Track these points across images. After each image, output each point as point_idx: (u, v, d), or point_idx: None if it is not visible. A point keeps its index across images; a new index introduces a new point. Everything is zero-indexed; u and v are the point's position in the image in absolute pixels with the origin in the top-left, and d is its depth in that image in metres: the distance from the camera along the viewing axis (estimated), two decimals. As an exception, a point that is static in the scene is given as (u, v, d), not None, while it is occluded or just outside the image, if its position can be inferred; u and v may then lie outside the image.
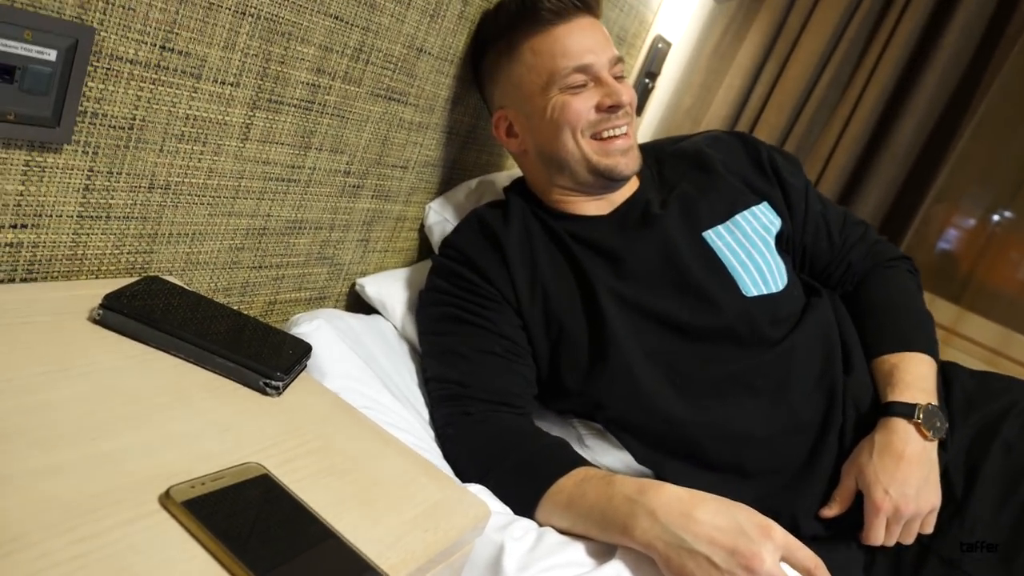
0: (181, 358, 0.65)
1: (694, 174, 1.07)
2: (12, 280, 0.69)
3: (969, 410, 0.96)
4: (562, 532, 0.78)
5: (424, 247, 1.23)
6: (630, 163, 0.99)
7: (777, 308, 0.98)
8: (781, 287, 1.00)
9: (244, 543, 0.46)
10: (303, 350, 0.72)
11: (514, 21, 1.00)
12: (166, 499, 0.48)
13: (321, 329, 0.90)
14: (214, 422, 0.59)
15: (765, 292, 0.98)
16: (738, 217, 1.03)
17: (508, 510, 0.80)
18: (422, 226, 1.20)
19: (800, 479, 0.91)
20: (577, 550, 0.74)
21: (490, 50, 1.04)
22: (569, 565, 0.71)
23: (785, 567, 0.67)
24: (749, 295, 0.97)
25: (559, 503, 0.78)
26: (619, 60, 1.00)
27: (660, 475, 0.91)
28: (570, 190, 1.03)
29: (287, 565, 0.46)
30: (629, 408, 0.92)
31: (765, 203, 1.07)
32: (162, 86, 0.72)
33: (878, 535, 0.85)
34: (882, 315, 1.05)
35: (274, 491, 0.52)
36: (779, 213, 1.07)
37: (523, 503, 0.80)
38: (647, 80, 1.72)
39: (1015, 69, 1.76)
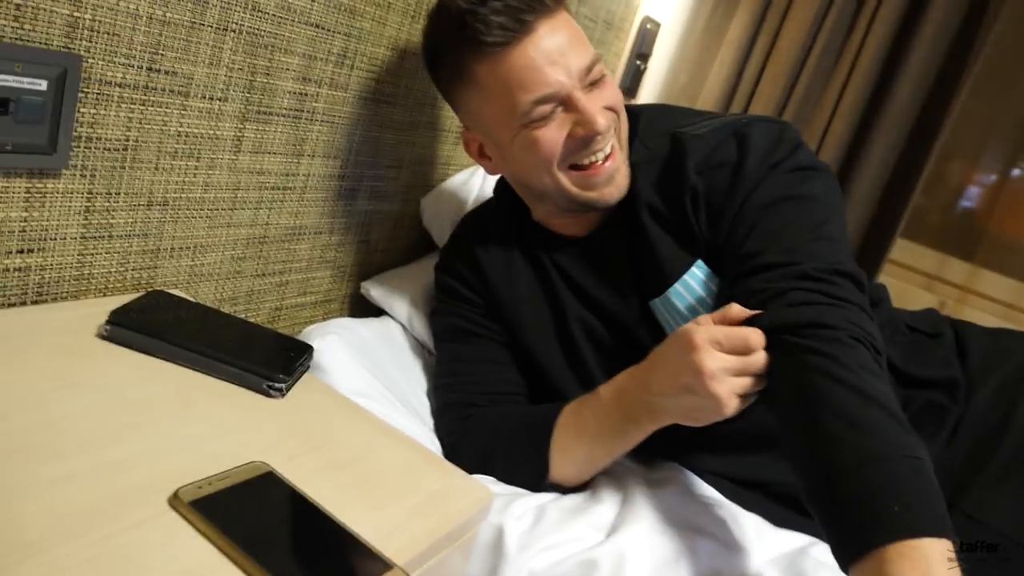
0: (187, 367, 0.68)
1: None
2: (23, 303, 0.72)
3: (990, 370, 0.93)
4: (579, 477, 0.82)
5: (425, 242, 1.25)
6: (615, 191, 0.86)
7: None
8: None
9: (251, 538, 0.49)
10: (304, 351, 0.74)
11: (457, 42, 0.81)
12: (174, 500, 0.50)
13: (332, 345, 0.90)
14: (219, 425, 0.62)
15: None
16: (669, 292, 0.86)
17: (507, 490, 0.81)
18: (420, 222, 1.22)
19: None
20: (577, 526, 0.76)
21: (440, 70, 0.88)
22: (570, 541, 0.73)
23: None
24: None
25: (570, 437, 0.81)
26: (594, 63, 0.82)
27: None
28: (551, 214, 0.94)
29: (293, 556, 0.48)
30: None
31: (699, 262, 0.86)
32: (152, 106, 0.74)
33: None
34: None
35: (279, 487, 0.55)
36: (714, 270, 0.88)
37: (533, 462, 0.82)
38: (639, 62, 1.72)
39: (1011, 21, 1.75)
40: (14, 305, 0.71)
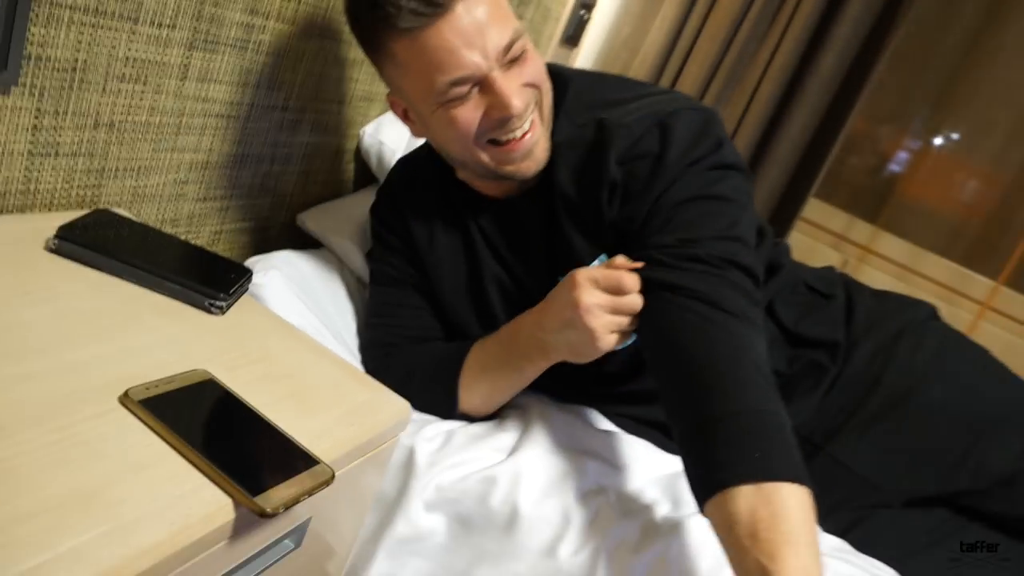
0: (133, 283, 0.73)
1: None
2: (-30, 213, 0.75)
3: (868, 332, 1.02)
4: (486, 407, 0.91)
5: (362, 175, 1.30)
6: (532, 164, 0.87)
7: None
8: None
9: (193, 434, 0.56)
10: (244, 274, 0.80)
11: (371, 20, 0.80)
12: (125, 399, 0.57)
13: (274, 280, 0.95)
14: (165, 337, 0.68)
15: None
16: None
17: (420, 417, 0.90)
18: (358, 153, 1.27)
19: None
20: (481, 448, 0.86)
21: (360, 39, 0.87)
22: (474, 460, 0.83)
23: None
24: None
25: (475, 373, 0.90)
26: (514, 40, 0.79)
27: None
28: (475, 178, 0.96)
29: (231, 449, 0.56)
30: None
31: (603, 256, 0.89)
32: (101, 29, 0.77)
33: None
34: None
35: (219, 392, 0.62)
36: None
37: (446, 391, 0.90)
38: (583, 11, 1.77)
39: (926, 2, 1.86)
40: (-38, 215, 0.75)
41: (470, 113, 0.81)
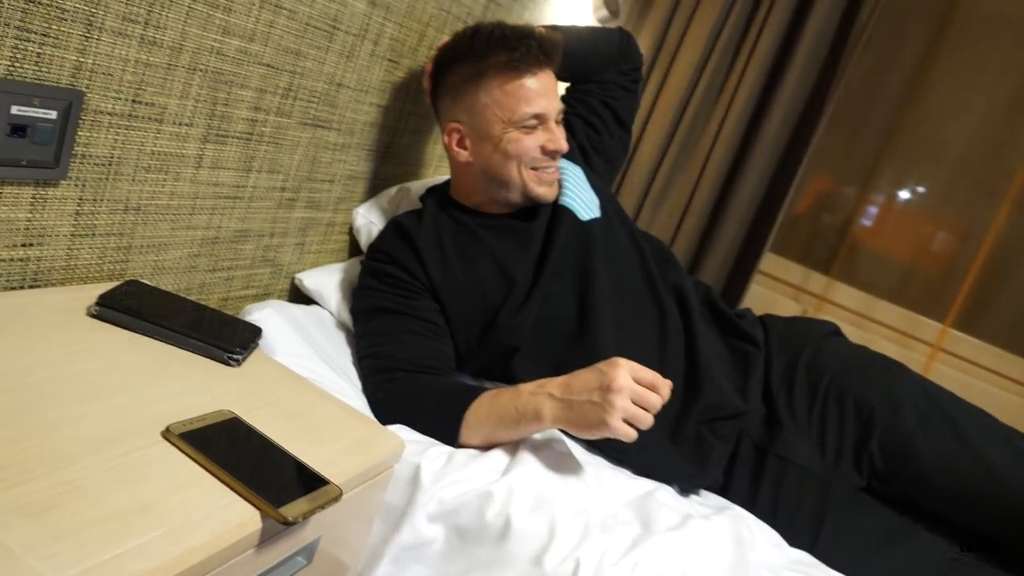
0: (163, 341, 0.86)
1: None
2: (22, 287, 0.88)
3: (781, 347, 1.27)
4: (483, 446, 1.01)
5: (353, 247, 1.44)
6: (553, 192, 1.24)
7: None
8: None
9: (227, 460, 0.67)
10: (255, 332, 0.93)
11: (490, 56, 1.14)
12: (167, 433, 0.69)
13: (270, 316, 1.11)
14: (193, 385, 0.80)
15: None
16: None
17: (426, 439, 1.01)
18: (351, 229, 1.41)
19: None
20: (479, 466, 0.97)
21: (458, 68, 1.18)
22: (473, 478, 0.94)
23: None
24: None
25: (479, 416, 1.01)
26: (562, 111, 1.21)
27: None
28: (495, 201, 1.25)
29: (259, 472, 0.68)
30: (542, 342, 1.17)
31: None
32: (133, 130, 0.91)
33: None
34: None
35: (243, 428, 0.74)
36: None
37: (448, 429, 1.02)
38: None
39: (861, 69, 2.07)
40: (14, 288, 0.87)
41: (532, 141, 1.17)
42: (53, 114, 0.81)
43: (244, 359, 0.88)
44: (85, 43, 0.82)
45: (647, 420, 0.92)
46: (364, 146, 1.34)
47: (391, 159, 1.44)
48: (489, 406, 1.01)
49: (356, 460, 0.78)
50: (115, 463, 0.64)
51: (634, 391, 0.91)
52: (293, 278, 1.31)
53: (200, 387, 0.80)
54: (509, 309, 1.17)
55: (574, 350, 1.18)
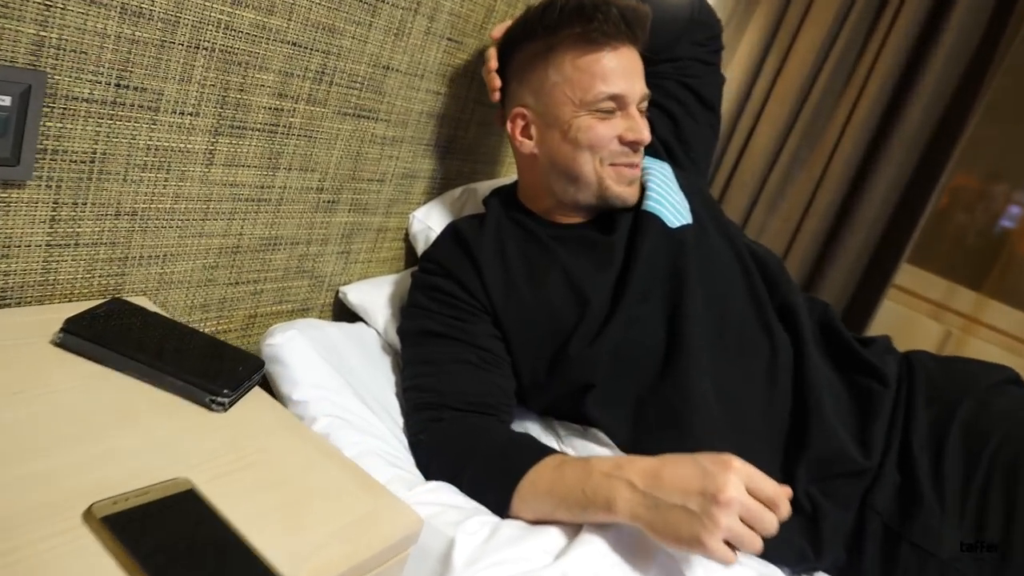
0: (135, 377, 0.70)
1: None
2: (-13, 307, 0.75)
3: (932, 396, 0.99)
4: (539, 522, 0.80)
5: (410, 256, 1.26)
6: (634, 193, 1.03)
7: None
8: None
9: (155, 558, 0.50)
10: (254, 366, 0.76)
11: (563, 28, 0.96)
12: (87, 515, 0.52)
13: (294, 340, 0.95)
14: (155, 439, 0.63)
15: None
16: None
17: (469, 504, 0.82)
18: (406, 236, 1.24)
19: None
20: (530, 546, 0.76)
21: (527, 46, 1.01)
22: (518, 560, 0.73)
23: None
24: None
25: (537, 490, 0.80)
26: (647, 97, 1.01)
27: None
28: (565, 203, 1.04)
29: (193, 577, 0.50)
30: (622, 377, 0.95)
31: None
32: (120, 120, 0.76)
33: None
34: None
35: (196, 506, 0.56)
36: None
37: (498, 495, 0.82)
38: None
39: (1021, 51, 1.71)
40: (-23, 309, 0.74)
41: (607, 130, 0.97)
42: (7, 100, 0.66)
43: (232, 401, 0.71)
44: (46, 13, 0.67)
45: (755, 545, 0.68)
46: (420, 140, 1.16)
47: (454, 155, 1.25)
48: (551, 480, 0.79)
49: (348, 548, 0.60)
50: (5, 561, 0.47)
51: (746, 507, 0.68)
52: (337, 291, 1.15)
53: (162, 442, 0.63)
54: (583, 337, 0.95)
55: (661, 388, 0.95)
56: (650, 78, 1.20)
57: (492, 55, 1.07)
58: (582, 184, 1.00)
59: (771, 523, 0.69)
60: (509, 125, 1.04)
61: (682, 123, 1.19)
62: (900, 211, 1.82)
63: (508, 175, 1.40)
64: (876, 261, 1.84)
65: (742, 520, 0.68)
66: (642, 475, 0.74)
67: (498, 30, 1.06)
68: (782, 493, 0.71)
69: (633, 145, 0.98)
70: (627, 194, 1.01)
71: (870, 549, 0.91)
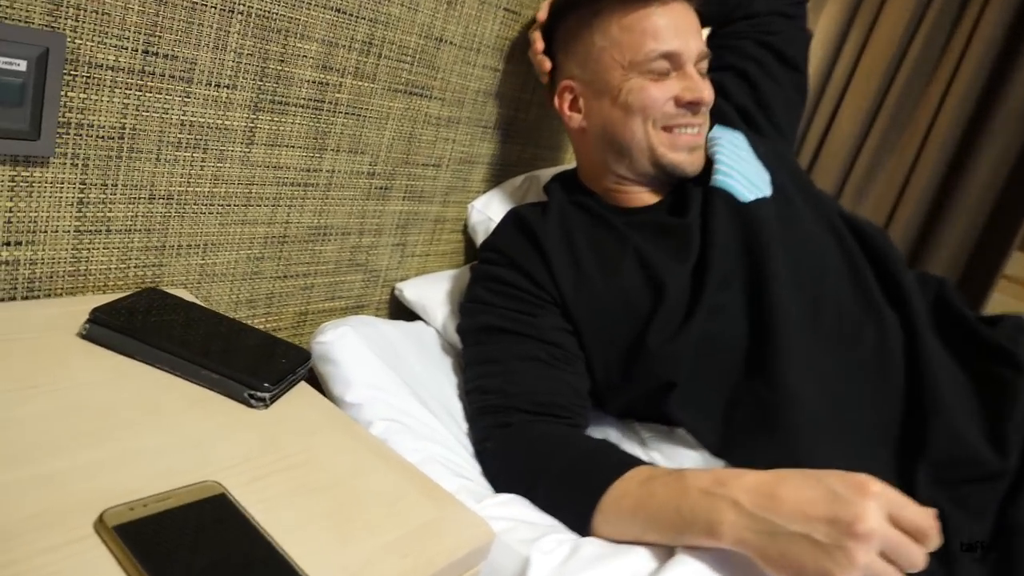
0: (167, 371, 0.62)
1: None
2: (13, 298, 0.68)
3: None
4: (626, 542, 0.69)
5: (469, 249, 1.17)
6: (695, 162, 0.93)
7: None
8: None
9: (173, 573, 0.41)
10: (300, 359, 0.68)
11: None
12: (99, 523, 0.44)
13: (346, 337, 0.86)
14: (185, 437, 0.55)
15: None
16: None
17: (545, 520, 0.72)
18: (465, 227, 1.15)
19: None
20: (617, 566, 0.65)
21: (571, 14, 0.95)
22: (604, 583, 0.63)
23: None
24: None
25: (624, 508, 0.69)
26: (706, 56, 0.92)
27: (736, 465, 0.81)
28: (625, 179, 0.95)
29: (219, 597, 0.41)
30: (707, 373, 0.84)
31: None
32: (150, 92, 0.70)
33: None
34: None
35: (226, 513, 0.47)
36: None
37: (577, 514, 0.71)
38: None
39: None
40: (3, 300, 0.67)
41: (660, 91, 0.88)
42: (21, 64, 0.60)
43: (275, 397, 0.63)
44: (65, -32, 0.60)
45: None
46: (478, 121, 1.07)
47: (514, 139, 1.16)
48: (638, 498, 0.68)
49: (407, 564, 0.50)
50: (6, 574, 0.39)
51: (889, 540, 0.55)
52: (393, 287, 1.07)
53: (192, 441, 0.55)
54: (661, 330, 0.84)
55: (751, 384, 0.83)
56: (725, 39, 1.09)
57: (537, 37, 1.00)
58: (635, 152, 0.92)
59: (918, 558, 0.56)
60: (557, 100, 0.97)
61: (761, 86, 1.06)
62: (1006, 195, 1.65)
63: (572, 163, 1.30)
64: (981, 250, 1.68)
65: (883, 556, 0.55)
66: (752, 494, 0.61)
67: (543, 11, 0.98)
68: (932, 521, 0.57)
69: (692, 106, 0.89)
70: (686, 162, 0.92)
71: (1017, 567, 0.77)
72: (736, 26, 1.08)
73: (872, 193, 1.73)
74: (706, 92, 0.90)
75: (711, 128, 0.98)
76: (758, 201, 0.91)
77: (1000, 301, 1.71)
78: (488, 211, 1.12)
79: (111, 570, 0.42)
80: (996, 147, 1.62)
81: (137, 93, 0.69)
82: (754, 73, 1.06)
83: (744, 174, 0.93)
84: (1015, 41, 1.57)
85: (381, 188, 0.97)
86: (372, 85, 0.89)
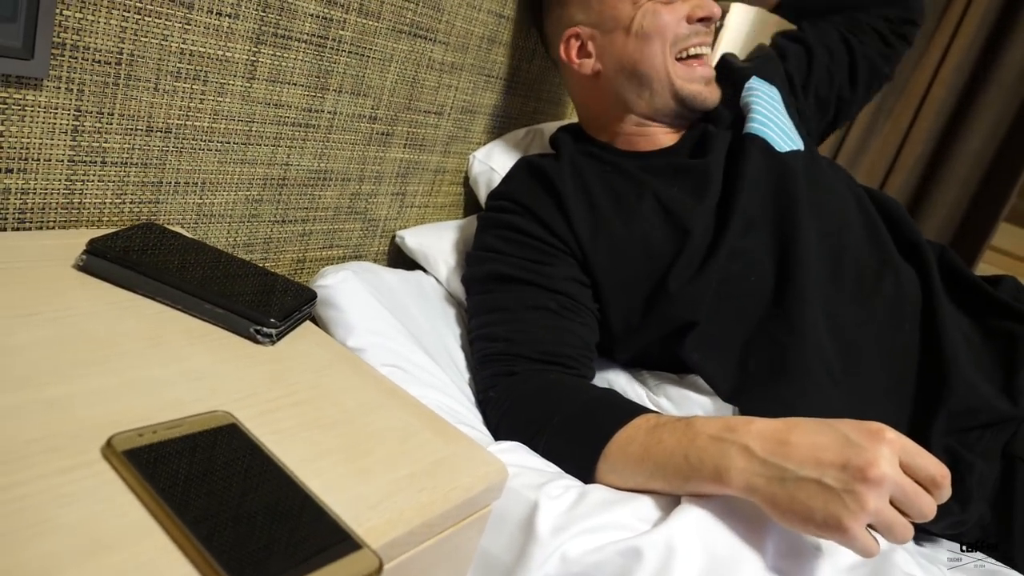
0: (168, 305, 0.60)
1: None
2: (3, 229, 0.65)
3: None
4: (630, 490, 0.69)
5: (469, 202, 1.15)
6: (713, 94, 0.95)
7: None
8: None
9: (189, 500, 0.40)
10: (306, 297, 0.66)
11: None
12: (107, 448, 0.42)
13: (347, 281, 0.84)
14: (190, 370, 0.53)
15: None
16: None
17: (549, 466, 0.71)
18: (466, 179, 1.13)
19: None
20: (624, 512, 0.65)
21: None
22: (612, 527, 0.62)
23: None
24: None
25: (631, 455, 0.67)
26: None
27: (747, 412, 0.80)
28: (645, 117, 0.95)
29: (236, 524, 0.39)
30: (726, 316, 0.83)
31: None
32: (148, 16, 0.66)
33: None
34: None
35: (238, 442, 0.46)
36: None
37: (581, 459, 0.70)
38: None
39: None
40: (-8, 231, 0.65)
41: (672, 14, 0.90)
42: (15, -26, 0.56)
43: (281, 333, 0.61)
44: None
45: (906, 535, 0.55)
46: (481, 69, 1.05)
47: (517, 90, 1.14)
48: (645, 444, 0.66)
49: (424, 498, 0.49)
50: (11, 495, 0.37)
51: (900, 487, 0.54)
52: (394, 236, 1.04)
53: (198, 373, 0.53)
54: (683, 271, 0.83)
55: (769, 329, 0.83)
56: (815, 17, 1.07)
57: None
58: (655, 82, 0.92)
59: (929, 508, 0.55)
60: (562, 49, 0.96)
61: (816, 73, 1.05)
62: (998, 165, 1.66)
63: (574, 118, 1.28)
64: (970, 219, 1.69)
65: (892, 503, 0.55)
66: (762, 439, 0.60)
67: None
68: (945, 470, 0.57)
69: (705, 22, 0.92)
70: (705, 92, 0.94)
71: (1020, 500, 0.79)
72: (834, 17, 1.08)
73: (865, 159, 1.73)
74: (715, 7, 0.92)
75: (749, 78, 0.97)
76: (793, 152, 0.90)
77: (986, 272, 1.73)
78: (490, 161, 1.10)
79: (121, 493, 0.40)
80: (988, 119, 1.63)
81: (136, 16, 0.65)
82: (820, 59, 1.05)
83: (779, 125, 0.93)
84: (1011, 11, 1.57)
85: (382, 134, 0.94)
86: (376, 24, 0.86)
